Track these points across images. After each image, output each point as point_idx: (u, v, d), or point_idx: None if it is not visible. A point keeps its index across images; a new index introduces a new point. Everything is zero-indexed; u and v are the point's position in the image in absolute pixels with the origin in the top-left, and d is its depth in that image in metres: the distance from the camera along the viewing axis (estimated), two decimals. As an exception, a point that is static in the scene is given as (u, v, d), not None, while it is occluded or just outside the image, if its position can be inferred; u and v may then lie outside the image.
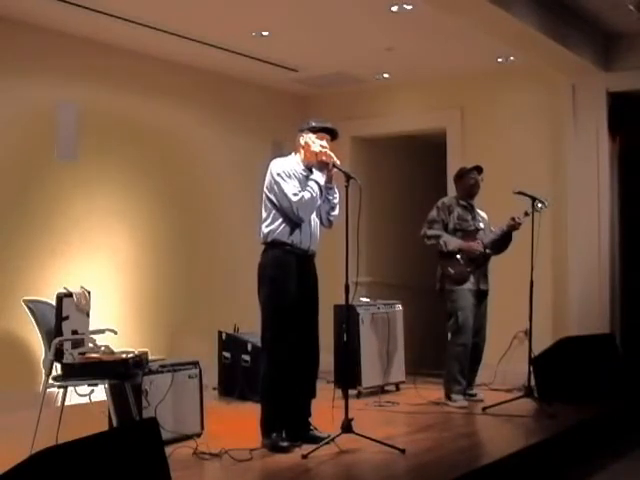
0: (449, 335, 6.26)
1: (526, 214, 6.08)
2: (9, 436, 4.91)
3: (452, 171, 7.75)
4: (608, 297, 7.26)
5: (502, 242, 6.31)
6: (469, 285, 6.20)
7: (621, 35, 7.18)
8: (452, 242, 6.19)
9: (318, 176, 4.78)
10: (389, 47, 7.02)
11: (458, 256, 6.19)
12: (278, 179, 4.75)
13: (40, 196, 6.32)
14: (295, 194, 4.69)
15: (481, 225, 6.37)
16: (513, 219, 6.16)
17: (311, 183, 4.74)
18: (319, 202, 4.79)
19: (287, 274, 4.74)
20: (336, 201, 4.94)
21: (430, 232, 6.26)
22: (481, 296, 6.29)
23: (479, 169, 6.39)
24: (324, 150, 4.82)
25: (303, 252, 4.82)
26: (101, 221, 6.74)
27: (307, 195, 4.70)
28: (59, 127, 6.44)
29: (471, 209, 6.40)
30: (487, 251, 6.27)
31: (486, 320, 6.32)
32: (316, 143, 4.84)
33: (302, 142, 4.89)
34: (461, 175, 6.44)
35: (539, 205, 6.07)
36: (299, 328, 4.76)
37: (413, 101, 8.29)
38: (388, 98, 8.32)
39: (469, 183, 6.37)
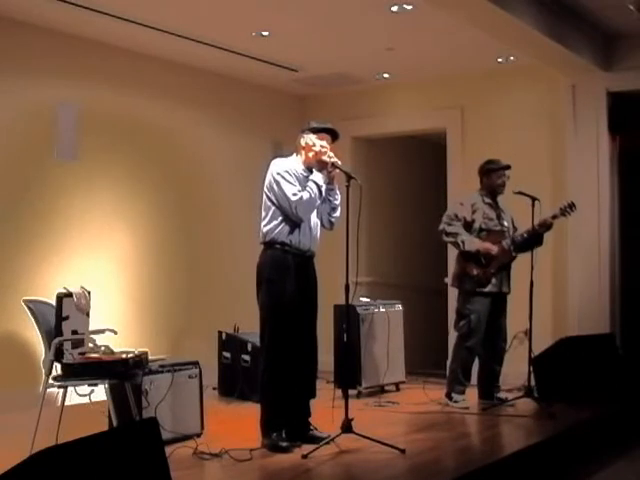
0: (457, 336, 6.21)
1: (554, 217, 6.02)
2: (9, 436, 4.91)
3: (452, 171, 7.80)
4: (608, 297, 7.25)
5: (529, 244, 6.09)
6: (490, 287, 6.09)
7: (621, 35, 7.18)
8: (470, 242, 6.04)
9: (317, 177, 4.79)
10: (389, 47, 7.02)
11: (481, 257, 6.05)
12: (278, 178, 4.75)
13: (40, 196, 6.32)
14: (294, 194, 4.70)
15: (506, 224, 6.23)
16: (542, 220, 6.02)
17: (310, 183, 4.75)
18: (318, 202, 4.80)
19: (285, 274, 4.74)
20: (337, 202, 4.94)
21: (449, 229, 6.07)
22: (501, 299, 6.20)
23: (508, 167, 6.23)
24: (324, 150, 4.83)
25: (302, 252, 4.82)
26: (101, 221, 6.74)
27: (306, 195, 4.70)
28: (59, 127, 6.44)
29: (496, 207, 6.24)
30: (513, 254, 6.15)
31: (506, 320, 6.27)
32: (317, 144, 4.85)
33: (302, 143, 4.90)
34: (489, 171, 6.23)
35: (569, 209, 6.01)
36: (298, 328, 4.76)
37: (413, 101, 8.29)
38: (388, 98, 8.32)
39: (497, 182, 6.19)
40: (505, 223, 6.25)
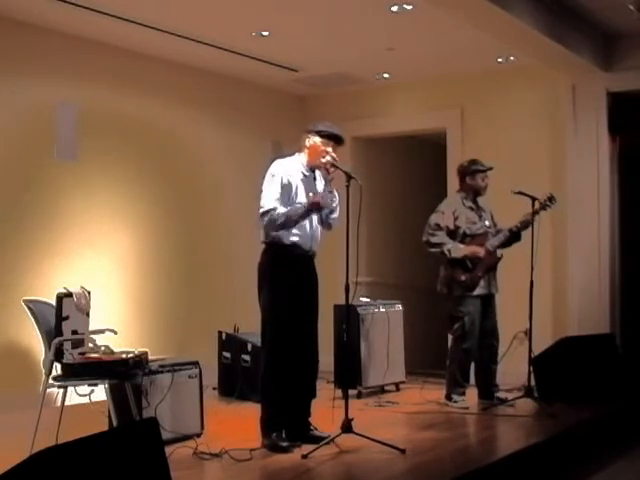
0: (452, 339, 6.22)
1: (535, 213, 6.04)
2: (9, 436, 4.91)
3: (452, 171, 7.76)
4: (608, 297, 7.26)
5: (511, 241, 6.17)
6: (479, 290, 6.10)
7: (621, 35, 7.18)
8: (456, 250, 6.05)
9: (324, 199, 4.70)
10: (389, 47, 7.02)
11: (467, 261, 6.07)
12: (267, 178, 4.78)
13: (40, 196, 6.32)
14: (265, 206, 4.67)
15: (487, 224, 6.24)
16: (523, 218, 6.04)
17: (311, 215, 4.69)
18: (300, 223, 4.71)
19: (287, 274, 4.74)
20: (335, 205, 4.92)
21: (433, 239, 6.07)
22: (490, 299, 6.23)
23: (489, 169, 6.21)
24: (329, 159, 4.80)
25: (303, 252, 4.82)
26: (101, 221, 6.74)
27: (282, 212, 4.64)
28: (59, 127, 6.44)
29: (477, 208, 6.24)
30: (498, 256, 6.16)
31: (496, 319, 6.28)
32: (320, 150, 4.82)
33: (307, 144, 4.88)
34: (475, 172, 6.18)
35: (548, 202, 6.03)
36: (299, 328, 4.76)
37: (413, 101, 8.29)
38: (388, 98, 8.33)
39: (480, 185, 6.18)
40: (487, 223, 6.26)
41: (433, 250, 6.14)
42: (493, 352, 6.26)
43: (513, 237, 6.16)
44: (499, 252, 6.21)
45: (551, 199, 6.08)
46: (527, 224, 6.05)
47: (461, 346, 6.12)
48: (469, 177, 6.22)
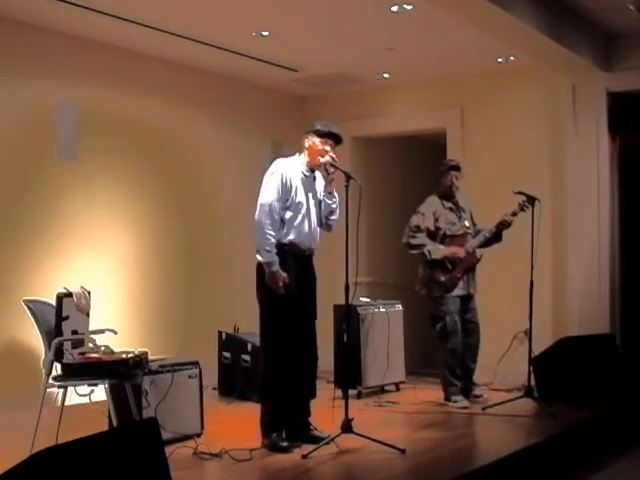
0: (437, 340, 6.23)
1: (514, 214, 6.06)
2: (9, 436, 4.91)
3: (452, 171, 7.77)
4: (608, 297, 7.26)
5: (491, 242, 6.21)
6: (458, 291, 6.14)
7: (621, 35, 7.18)
8: (436, 251, 6.09)
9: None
10: (389, 47, 7.02)
11: (447, 262, 6.10)
12: (266, 176, 4.80)
13: (40, 196, 6.32)
14: (262, 200, 4.73)
15: (467, 224, 6.27)
16: (503, 219, 6.09)
17: (268, 267, 4.67)
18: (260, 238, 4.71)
19: (285, 273, 4.73)
20: (334, 205, 4.92)
21: (414, 241, 6.12)
22: (469, 299, 6.25)
23: (456, 168, 6.26)
24: (328, 159, 4.81)
25: (301, 252, 4.82)
26: (101, 221, 6.74)
27: (272, 241, 4.67)
28: (59, 127, 6.45)
29: (456, 209, 6.28)
30: (477, 257, 6.20)
31: (478, 319, 6.30)
32: (319, 150, 4.83)
33: (306, 144, 4.89)
34: (440, 172, 6.30)
35: (526, 204, 6.04)
36: (298, 327, 4.76)
37: (413, 101, 8.29)
38: (388, 98, 8.33)
39: (446, 184, 6.25)
40: (466, 223, 6.28)
41: (413, 252, 6.19)
42: (473, 351, 6.28)
43: (493, 238, 6.19)
44: (478, 253, 6.24)
45: (530, 200, 6.08)
46: (507, 224, 6.09)
47: (446, 346, 6.14)
48: (440, 177, 6.30)
